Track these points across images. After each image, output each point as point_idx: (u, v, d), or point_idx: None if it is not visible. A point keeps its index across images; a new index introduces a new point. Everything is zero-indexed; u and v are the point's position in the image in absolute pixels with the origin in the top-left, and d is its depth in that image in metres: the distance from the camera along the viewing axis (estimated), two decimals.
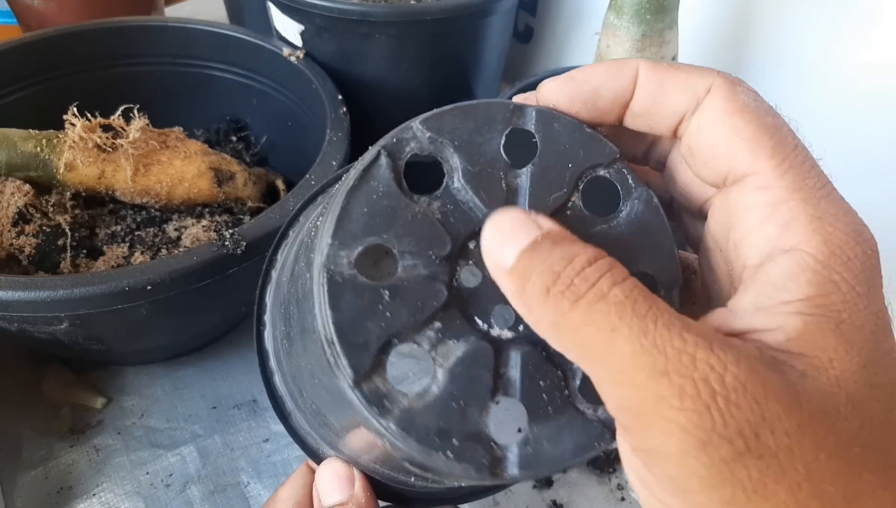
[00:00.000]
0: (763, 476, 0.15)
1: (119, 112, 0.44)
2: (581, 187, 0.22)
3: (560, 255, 0.17)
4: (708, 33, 0.51)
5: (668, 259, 0.21)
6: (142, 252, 0.44)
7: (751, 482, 0.15)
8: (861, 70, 0.43)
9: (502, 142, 0.22)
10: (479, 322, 0.20)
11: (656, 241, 0.22)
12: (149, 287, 0.35)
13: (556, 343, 0.17)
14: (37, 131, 0.44)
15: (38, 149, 0.43)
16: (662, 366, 0.15)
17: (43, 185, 0.44)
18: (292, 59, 0.52)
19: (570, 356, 0.17)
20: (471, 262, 0.20)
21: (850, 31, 0.42)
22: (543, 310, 0.17)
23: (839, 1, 0.42)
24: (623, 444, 0.18)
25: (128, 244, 0.45)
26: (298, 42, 0.53)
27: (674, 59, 0.44)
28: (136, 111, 0.44)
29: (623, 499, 0.42)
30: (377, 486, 0.27)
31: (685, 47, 0.46)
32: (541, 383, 0.20)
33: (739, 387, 0.15)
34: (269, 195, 0.53)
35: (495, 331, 0.20)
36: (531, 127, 0.22)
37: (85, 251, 0.44)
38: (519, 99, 0.22)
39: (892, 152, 0.43)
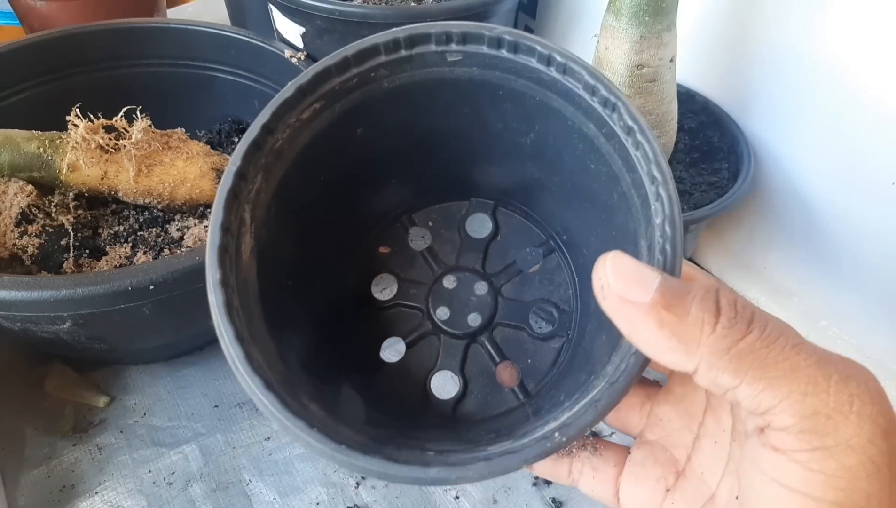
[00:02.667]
0: None
1: (121, 113, 0.44)
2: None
3: (704, 288, 0.19)
4: (706, 35, 0.52)
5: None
6: (144, 252, 0.44)
7: None
8: (861, 72, 0.43)
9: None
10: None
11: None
12: (151, 287, 0.35)
13: (727, 369, 0.18)
14: (40, 132, 0.44)
15: (42, 150, 0.43)
16: (846, 372, 0.18)
17: (46, 185, 0.45)
18: (294, 60, 0.52)
19: (744, 378, 0.18)
20: None
21: (851, 31, 0.43)
22: (715, 339, 0.18)
23: (839, 1, 0.43)
24: (787, 445, 0.19)
25: (130, 244, 0.45)
26: (300, 44, 0.53)
27: (672, 60, 0.44)
28: (138, 112, 0.45)
29: None
30: None
31: (684, 49, 0.46)
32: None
33: None
34: None
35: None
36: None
37: (88, 251, 0.44)
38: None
39: (891, 153, 0.43)
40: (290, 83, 0.24)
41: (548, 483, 0.42)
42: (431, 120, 0.28)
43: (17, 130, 0.44)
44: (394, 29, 0.25)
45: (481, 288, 0.31)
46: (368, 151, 0.29)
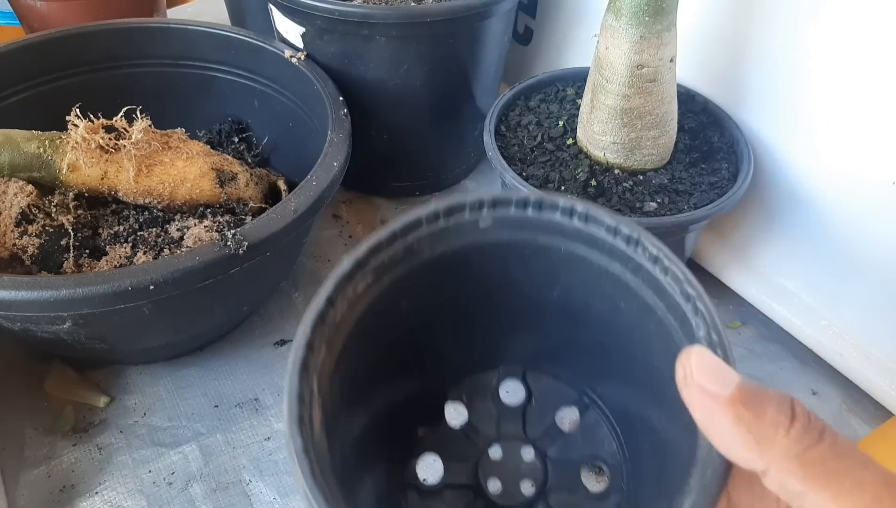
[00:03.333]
0: None
1: (121, 113, 0.45)
2: None
3: (779, 394, 0.20)
4: (706, 35, 0.51)
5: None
6: (144, 252, 0.44)
7: None
8: (861, 71, 0.43)
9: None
10: None
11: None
12: (151, 287, 0.35)
13: (797, 474, 0.19)
14: (40, 132, 0.44)
15: (41, 150, 0.43)
16: None
17: (46, 185, 0.45)
18: (294, 60, 0.52)
19: (812, 486, 0.19)
20: None
21: (851, 32, 0.43)
22: (789, 441, 0.19)
23: (840, 2, 0.43)
24: None
25: (130, 244, 0.45)
26: (300, 44, 0.53)
27: (672, 60, 0.44)
28: (138, 112, 0.45)
29: None
30: None
31: (684, 49, 0.46)
32: None
33: None
34: (271, 196, 0.53)
35: None
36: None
37: (88, 251, 0.44)
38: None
39: (891, 154, 0.43)
40: (346, 258, 0.25)
41: None
42: (465, 287, 0.29)
43: (17, 130, 0.44)
44: (433, 202, 0.27)
45: (528, 454, 0.32)
46: (409, 324, 0.29)
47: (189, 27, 0.54)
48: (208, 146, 0.50)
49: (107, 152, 0.44)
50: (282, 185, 0.53)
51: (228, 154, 0.53)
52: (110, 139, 0.44)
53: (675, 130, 0.49)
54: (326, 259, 0.56)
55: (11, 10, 0.66)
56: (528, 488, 0.31)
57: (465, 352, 0.33)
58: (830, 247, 0.49)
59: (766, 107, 0.50)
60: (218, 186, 0.48)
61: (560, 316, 0.30)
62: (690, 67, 0.53)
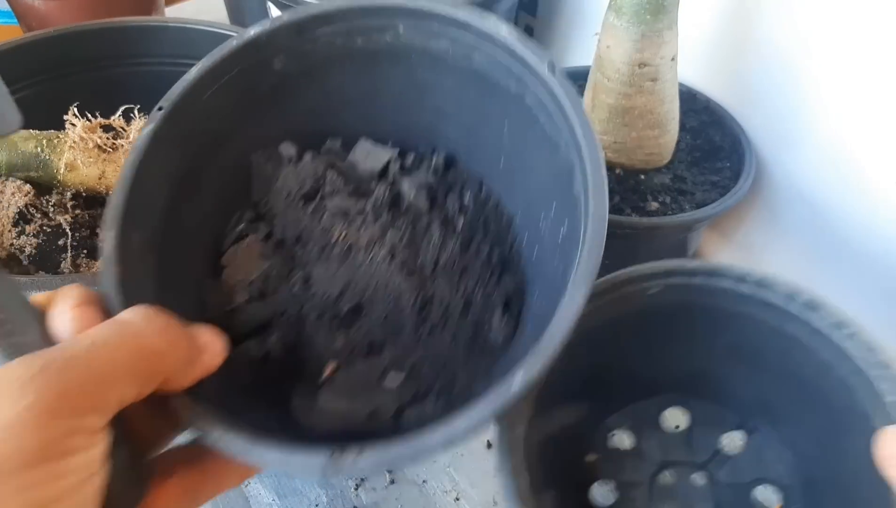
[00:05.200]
0: None
1: (119, 112, 0.44)
2: None
3: None
4: (708, 34, 0.51)
5: None
6: None
7: None
8: (862, 70, 0.43)
9: None
10: None
11: None
12: None
13: None
14: (37, 132, 0.44)
15: (39, 149, 0.43)
16: None
17: (43, 185, 0.45)
18: None
19: None
20: None
21: (852, 32, 0.42)
22: None
23: (840, 2, 0.42)
24: None
25: None
26: None
27: (673, 59, 0.44)
28: (136, 111, 0.45)
29: None
30: None
31: (685, 48, 0.45)
32: None
33: None
34: None
35: None
36: None
37: (86, 251, 0.44)
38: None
39: (892, 152, 0.43)
40: None
41: None
42: (632, 343, 0.31)
43: None
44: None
45: (699, 479, 0.32)
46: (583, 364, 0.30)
47: (188, 26, 0.54)
48: None
49: (104, 152, 0.44)
50: None
51: None
52: (108, 138, 0.44)
53: (677, 129, 0.49)
54: None
55: (10, 9, 0.66)
56: None
57: (628, 383, 0.33)
58: (832, 245, 0.49)
59: (767, 106, 0.50)
60: None
61: (727, 360, 0.31)
62: (692, 65, 0.53)
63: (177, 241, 0.30)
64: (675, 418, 0.34)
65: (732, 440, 0.33)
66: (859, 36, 0.42)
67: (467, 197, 0.34)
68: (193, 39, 0.54)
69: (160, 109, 0.30)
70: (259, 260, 0.32)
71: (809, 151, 0.48)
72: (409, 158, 0.36)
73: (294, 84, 0.33)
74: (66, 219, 0.44)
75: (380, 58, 0.33)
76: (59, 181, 0.44)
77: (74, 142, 0.43)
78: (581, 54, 0.63)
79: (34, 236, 0.43)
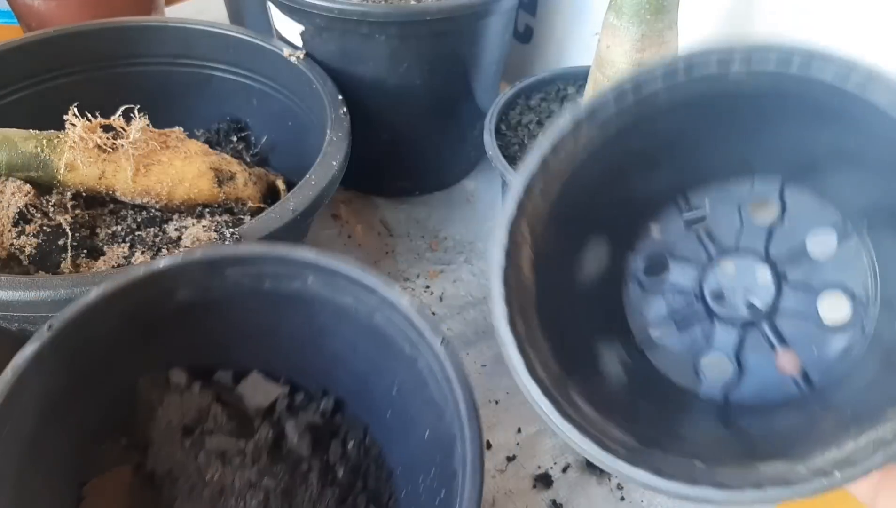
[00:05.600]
0: None
1: (119, 112, 0.44)
2: None
3: None
4: (708, 34, 0.51)
5: None
6: (142, 252, 0.44)
7: None
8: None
9: None
10: None
11: None
12: None
13: None
14: (37, 132, 0.44)
15: (39, 149, 0.43)
16: None
17: (43, 185, 0.45)
18: (293, 59, 0.52)
19: None
20: None
21: (852, 32, 0.42)
22: None
23: (842, 3, 0.42)
24: None
25: (128, 244, 0.45)
26: (299, 42, 0.53)
27: None
28: (136, 111, 0.44)
29: (623, 499, 0.42)
30: None
31: (685, 48, 0.46)
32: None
33: None
34: (270, 195, 0.53)
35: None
36: None
37: (85, 251, 0.44)
38: None
39: None
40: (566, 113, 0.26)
41: (547, 485, 0.42)
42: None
43: (14, 129, 0.44)
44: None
45: (763, 273, 0.29)
46: (647, 139, 0.28)
47: (187, 26, 0.54)
48: (206, 145, 0.49)
49: (104, 152, 0.44)
50: (280, 184, 0.53)
51: (227, 153, 0.53)
52: (108, 139, 0.44)
53: None
54: None
55: (9, 9, 0.66)
56: (754, 304, 0.29)
57: (711, 156, 0.30)
58: None
59: None
60: (216, 185, 0.47)
61: (831, 122, 0.26)
62: None
63: (43, 461, 0.30)
64: (763, 206, 0.30)
65: (820, 241, 0.29)
66: (860, 36, 0.42)
67: (350, 445, 0.36)
68: (193, 39, 0.55)
69: (49, 327, 0.30)
70: (124, 495, 0.32)
71: None
72: (299, 398, 0.38)
73: (194, 315, 0.35)
74: (66, 219, 0.44)
75: (285, 301, 0.35)
76: (59, 181, 0.44)
77: (74, 142, 0.43)
78: (581, 54, 0.63)
79: (34, 236, 0.43)
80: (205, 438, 0.35)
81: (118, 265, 0.43)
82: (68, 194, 0.45)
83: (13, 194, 0.43)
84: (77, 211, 0.45)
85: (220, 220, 0.46)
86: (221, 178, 0.48)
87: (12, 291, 0.34)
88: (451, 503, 0.28)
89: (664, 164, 0.30)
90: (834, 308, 0.28)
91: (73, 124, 0.43)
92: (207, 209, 0.47)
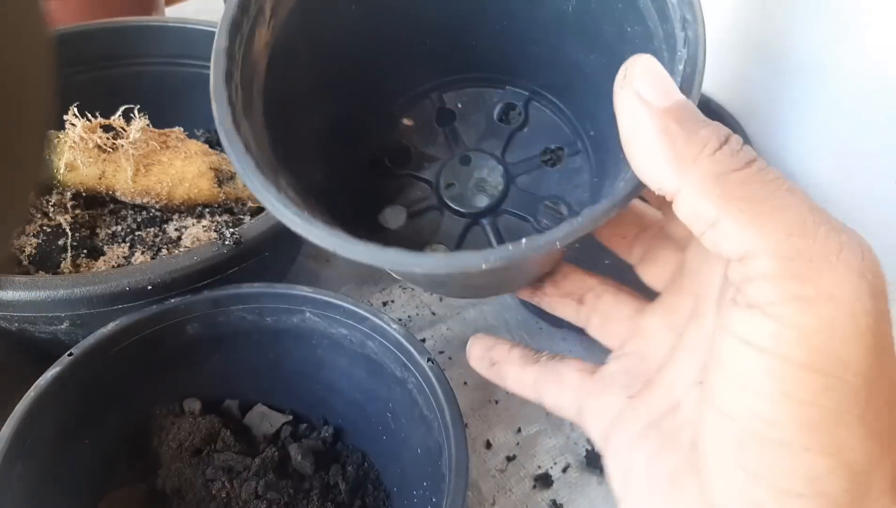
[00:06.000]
0: (890, 331, 0.17)
1: (119, 112, 0.44)
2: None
3: (719, 124, 0.19)
4: (710, 37, 0.51)
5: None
6: (142, 252, 0.44)
7: (885, 333, 0.17)
8: (863, 71, 0.43)
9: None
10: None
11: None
12: (149, 287, 0.35)
13: (713, 195, 0.17)
14: None
15: None
16: (837, 225, 0.17)
17: (43, 185, 0.44)
18: None
19: (728, 210, 0.17)
20: None
21: (853, 33, 0.42)
22: (712, 162, 0.18)
23: (843, 4, 0.42)
24: (764, 296, 0.17)
25: (128, 244, 0.45)
26: None
27: None
28: (136, 111, 0.44)
29: None
30: None
31: None
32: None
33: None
34: None
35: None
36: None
37: (85, 251, 0.44)
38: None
39: (891, 154, 0.43)
40: None
41: (548, 485, 0.42)
42: None
43: None
44: None
45: (496, 173, 0.31)
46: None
47: (188, 26, 0.54)
48: (207, 145, 0.49)
49: (104, 152, 0.44)
50: None
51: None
52: (108, 138, 0.44)
53: None
54: (325, 259, 0.56)
55: None
56: (482, 201, 0.31)
57: (468, 57, 0.32)
58: None
59: (769, 109, 0.50)
60: (216, 185, 0.47)
61: (573, 37, 0.28)
62: None
63: (60, 477, 0.33)
64: (509, 114, 0.33)
65: (551, 154, 0.32)
66: (861, 36, 0.42)
67: (350, 469, 0.38)
68: (193, 39, 0.54)
69: (70, 354, 0.33)
70: None
71: (810, 151, 0.48)
72: (302, 427, 0.41)
73: (202, 348, 0.38)
74: (65, 219, 0.44)
75: (285, 335, 0.38)
76: (58, 181, 0.44)
77: (74, 142, 0.43)
78: None
79: (34, 236, 0.43)
80: (213, 456, 0.37)
81: (118, 265, 0.43)
82: (68, 194, 0.45)
83: None
84: (77, 211, 0.45)
85: (220, 220, 0.46)
86: (221, 178, 0.48)
87: (12, 291, 0.34)
88: (440, 503, 0.29)
89: (423, 55, 0.31)
90: (552, 217, 0.31)
91: (73, 124, 0.43)
92: (207, 209, 0.47)
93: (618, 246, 0.29)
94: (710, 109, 0.53)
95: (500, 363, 0.30)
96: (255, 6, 0.24)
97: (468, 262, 0.19)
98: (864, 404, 0.17)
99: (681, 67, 0.21)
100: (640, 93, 0.19)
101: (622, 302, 0.28)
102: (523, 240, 0.19)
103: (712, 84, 0.53)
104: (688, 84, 0.20)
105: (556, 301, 0.29)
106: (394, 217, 0.31)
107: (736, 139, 0.18)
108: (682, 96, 0.19)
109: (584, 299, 0.29)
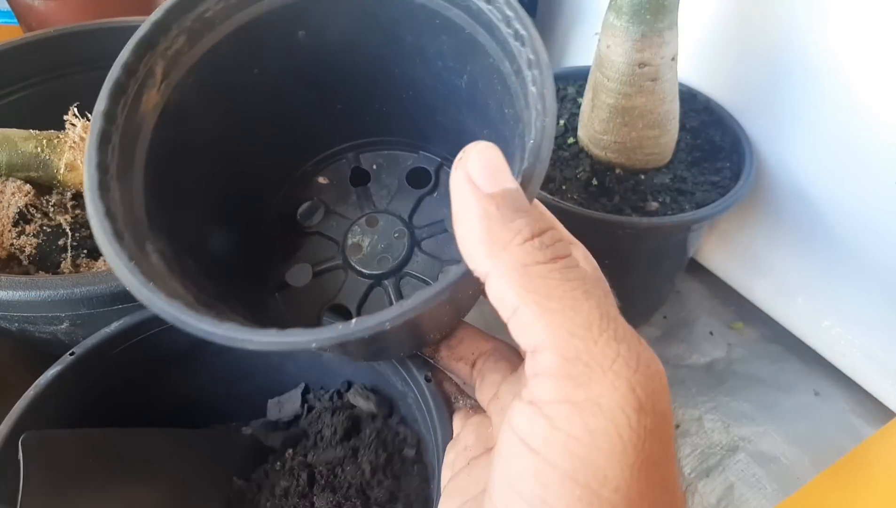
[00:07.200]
0: (662, 453, 0.17)
1: None
2: None
3: (543, 218, 0.19)
4: (709, 34, 0.51)
5: None
6: None
7: (654, 450, 0.17)
8: (863, 72, 0.43)
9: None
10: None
11: None
12: None
13: (515, 284, 0.18)
14: (37, 132, 0.44)
15: (39, 149, 0.43)
16: (622, 335, 0.17)
17: (43, 185, 0.44)
18: None
19: (526, 300, 0.18)
20: None
21: (853, 33, 0.42)
22: (520, 251, 0.18)
23: (843, 3, 0.42)
24: (543, 394, 0.18)
25: None
26: None
27: (673, 59, 0.44)
28: None
29: None
30: None
31: (686, 48, 0.45)
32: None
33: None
34: None
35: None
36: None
37: (85, 251, 0.44)
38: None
39: (891, 153, 0.43)
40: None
41: None
42: (374, 42, 0.28)
43: (14, 129, 0.44)
44: None
45: (402, 236, 0.32)
46: (313, 58, 0.29)
47: None
48: None
49: None
50: None
51: None
52: None
53: (677, 129, 0.49)
54: None
55: (9, 9, 0.66)
56: (385, 263, 0.32)
57: (382, 121, 0.32)
58: (834, 247, 0.49)
59: (768, 106, 0.50)
60: None
61: (468, 111, 0.29)
62: (692, 65, 0.53)
63: None
64: (420, 179, 0.34)
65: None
66: (861, 38, 0.42)
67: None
68: None
69: (72, 353, 0.33)
70: None
71: (810, 151, 0.48)
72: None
73: (207, 350, 0.36)
74: (66, 219, 0.44)
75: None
76: (59, 181, 0.44)
77: (74, 142, 0.43)
78: (581, 54, 0.63)
79: (34, 236, 0.43)
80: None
81: None
82: (68, 194, 0.45)
83: (13, 194, 0.43)
84: (77, 211, 0.45)
85: None
86: None
87: (12, 291, 0.34)
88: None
89: (335, 102, 0.32)
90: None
91: (73, 124, 0.43)
92: None
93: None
94: (710, 108, 0.53)
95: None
96: (144, 69, 0.24)
97: (298, 339, 0.19)
98: None
99: (530, 145, 0.21)
100: (471, 175, 0.19)
101: (499, 368, 0.28)
102: (353, 321, 0.19)
103: (712, 84, 0.53)
104: (528, 172, 0.20)
105: (450, 364, 0.30)
106: (300, 275, 0.32)
107: (551, 235, 0.19)
108: (512, 184, 0.19)
109: (476, 364, 0.29)
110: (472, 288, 0.22)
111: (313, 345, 0.19)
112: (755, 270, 0.55)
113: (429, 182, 0.33)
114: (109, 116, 0.23)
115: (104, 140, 0.23)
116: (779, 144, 0.50)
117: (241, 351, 0.37)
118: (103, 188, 0.22)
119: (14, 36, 0.53)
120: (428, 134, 0.33)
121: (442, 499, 0.25)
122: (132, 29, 0.53)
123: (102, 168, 0.22)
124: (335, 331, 0.19)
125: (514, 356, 0.28)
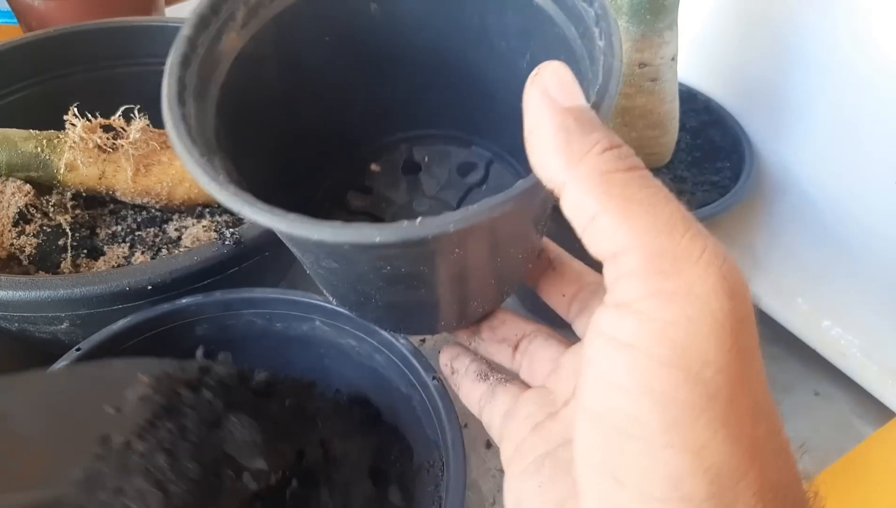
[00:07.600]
0: (753, 344, 0.18)
1: (120, 112, 0.44)
2: None
3: (611, 132, 0.20)
4: (709, 34, 0.51)
5: None
6: (142, 252, 0.44)
7: (747, 340, 0.17)
8: (863, 71, 0.43)
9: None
10: None
11: None
12: (149, 287, 0.35)
13: (595, 191, 0.18)
14: (37, 132, 0.44)
15: (39, 149, 0.43)
16: (705, 233, 0.18)
17: (43, 185, 0.45)
18: None
19: (608, 205, 0.18)
20: None
21: (853, 32, 0.42)
22: (599, 160, 0.18)
23: (842, 2, 0.42)
24: (630, 294, 0.18)
25: (128, 244, 0.45)
26: None
27: (673, 59, 0.44)
28: (136, 112, 0.44)
29: None
30: None
31: (685, 48, 0.45)
32: None
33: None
34: None
35: None
36: None
37: (85, 251, 0.44)
38: None
39: (892, 153, 0.43)
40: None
41: None
42: (441, 25, 0.29)
43: (14, 129, 0.44)
44: None
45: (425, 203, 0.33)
46: (381, 36, 0.29)
47: None
48: None
49: (105, 152, 0.44)
50: None
51: None
52: (108, 139, 0.44)
53: (677, 129, 0.49)
54: None
55: (9, 9, 0.66)
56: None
57: (437, 113, 0.33)
58: (834, 247, 0.49)
59: (768, 106, 0.50)
60: None
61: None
62: (692, 65, 0.53)
63: None
64: (472, 172, 0.34)
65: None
66: (861, 37, 0.42)
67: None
68: None
69: (78, 349, 0.33)
70: None
71: (811, 151, 0.48)
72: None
73: (211, 350, 0.37)
74: (66, 219, 0.44)
75: (293, 342, 0.38)
76: (59, 181, 0.44)
77: (74, 142, 0.43)
78: None
79: (34, 236, 0.43)
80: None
81: (118, 265, 0.43)
82: (68, 193, 0.45)
83: (13, 194, 0.43)
84: (77, 211, 0.45)
85: (219, 220, 0.46)
86: None
87: (12, 291, 0.34)
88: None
89: (395, 84, 0.32)
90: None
91: (73, 124, 0.43)
92: (207, 209, 0.47)
93: (557, 304, 0.30)
94: (710, 108, 0.53)
95: (458, 373, 0.31)
96: (227, 10, 0.25)
97: (361, 232, 0.19)
98: (725, 404, 0.17)
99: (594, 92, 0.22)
100: (548, 90, 0.20)
101: (550, 346, 0.29)
102: (417, 219, 0.19)
103: (712, 84, 0.53)
104: (598, 100, 0.21)
105: (492, 346, 0.30)
106: None
107: (627, 149, 0.19)
108: (585, 103, 0.20)
109: (519, 345, 0.30)
110: (540, 204, 0.21)
111: (377, 239, 0.19)
112: (755, 270, 0.55)
113: (478, 175, 0.34)
114: (192, 43, 0.23)
115: (185, 62, 0.23)
116: (779, 144, 0.50)
117: (244, 352, 0.37)
118: (181, 100, 0.22)
119: (14, 36, 0.54)
120: (482, 127, 0.33)
121: (510, 467, 0.25)
122: (132, 29, 0.54)
123: (182, 83, 0.23)
124: (399, 227, 0.19)
125: (560, 337, 0.29)
